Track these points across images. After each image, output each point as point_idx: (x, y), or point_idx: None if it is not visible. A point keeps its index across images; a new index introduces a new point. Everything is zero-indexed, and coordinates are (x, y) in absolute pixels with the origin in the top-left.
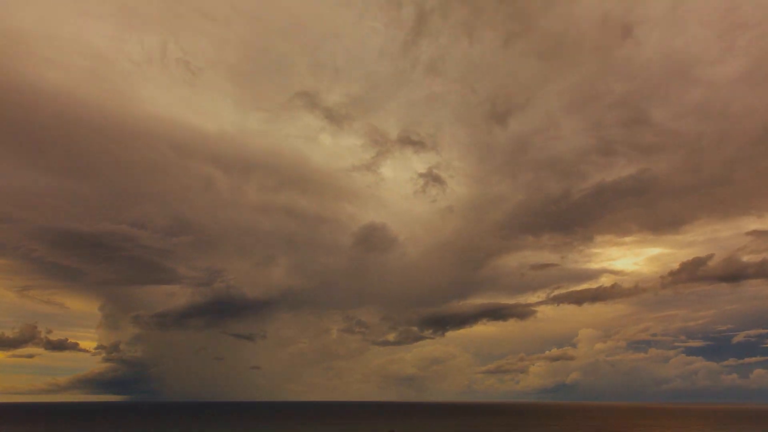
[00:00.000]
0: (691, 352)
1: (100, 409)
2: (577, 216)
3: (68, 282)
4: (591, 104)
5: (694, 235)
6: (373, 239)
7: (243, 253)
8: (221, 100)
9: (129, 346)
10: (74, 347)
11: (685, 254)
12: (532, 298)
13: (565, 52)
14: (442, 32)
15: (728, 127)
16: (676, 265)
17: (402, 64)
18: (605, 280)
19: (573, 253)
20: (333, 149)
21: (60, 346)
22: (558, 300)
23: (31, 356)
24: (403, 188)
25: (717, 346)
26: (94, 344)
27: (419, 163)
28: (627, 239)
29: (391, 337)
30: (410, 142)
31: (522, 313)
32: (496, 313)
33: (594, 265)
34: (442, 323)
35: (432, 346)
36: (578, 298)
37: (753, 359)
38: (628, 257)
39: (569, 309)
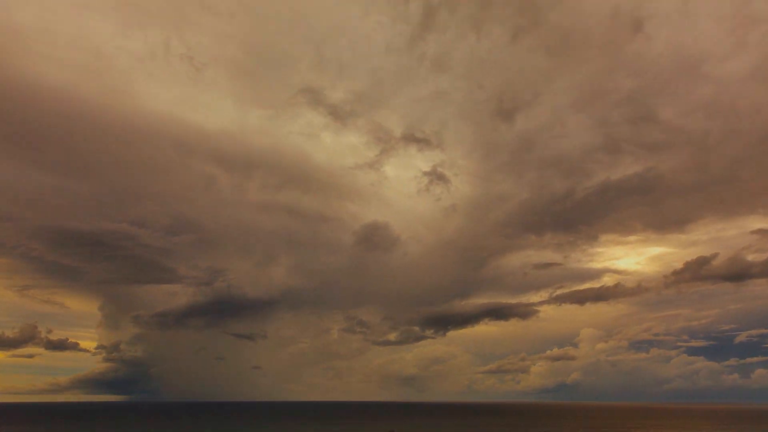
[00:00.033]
0: (692, 352)
1: (101, 409)
2: (582, 215)
3: (68, 281)
4: (598, 101)
5: (699, 234)
6: (375, 238)
7: (244, 252)
8: (223, 97)
9: (129, 345)
10: (74, 347)
11: (689, 253)
12: (534, 298)
13: (573, 47)
14: (449, 27)
15: (736, 124)
16: (679, 265)
17: (408, 59)
18: (608, 280)
19: (576, 252)
20: (336, 147)
21: (60, 345)
22: (560, 300)
23: (31, 356)
24: (407, 187)
25: (719, 346)
26: (95, 344)
27: (423, 161)
28: (631, 238)
29: (392, 336)
30: (414, 139)
31: (524, 312)
32: (498, 313)
33: (597, 265)
34: (443, 323)
35: (433, 346)
36: (580, 298)
37: (755, 359)
38: (631, 256)
39: (571, 309)
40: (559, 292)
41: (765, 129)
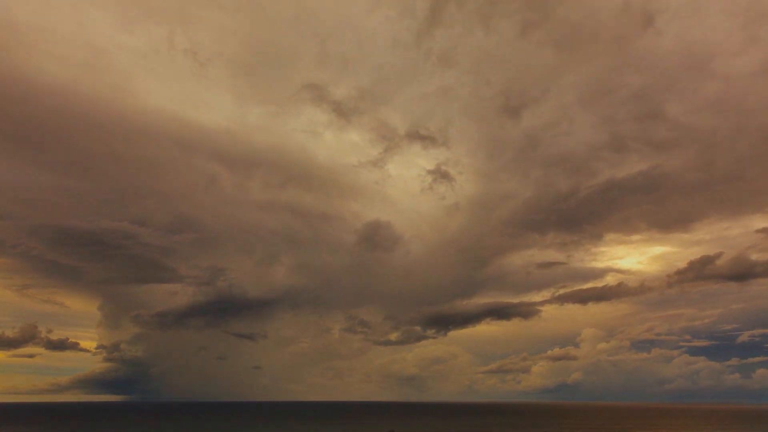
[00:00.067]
0: (694, 351)
1: (101, 409)
2: (586, 213)
3: (68, 281)
4: (606, 98)
5: (703, 234)
6: (377, 237)
7: (245, 251)
8: (224, 94)
9: (130, 345)
10: (75, 347)
11: (693, 253)
12: (536, 298)
13: (582, 42)
14: (456, 21)
15: (743, 122)
16: (683, 264)
17: (415, 55)
18: (611, 279)
19: (579, 251)
20: (339, 144)
21: (60, 345)
22: (562, 299)
23: (31, 356)
24: (411, 185)
25: (721, 346)
26: (95, 344)
27: (428, 159)
28: (634, 237)
29: (394, 336)
30: (419, 137)
31: (526, 312)
32: (500, 313)
33: (600, 264)
34: (445, 323)
35: (434, 346)
36: (583, 298)
37: (756, 359)
38: (635, 256)
39: (573, 308)
40: (561, 291)
41: None
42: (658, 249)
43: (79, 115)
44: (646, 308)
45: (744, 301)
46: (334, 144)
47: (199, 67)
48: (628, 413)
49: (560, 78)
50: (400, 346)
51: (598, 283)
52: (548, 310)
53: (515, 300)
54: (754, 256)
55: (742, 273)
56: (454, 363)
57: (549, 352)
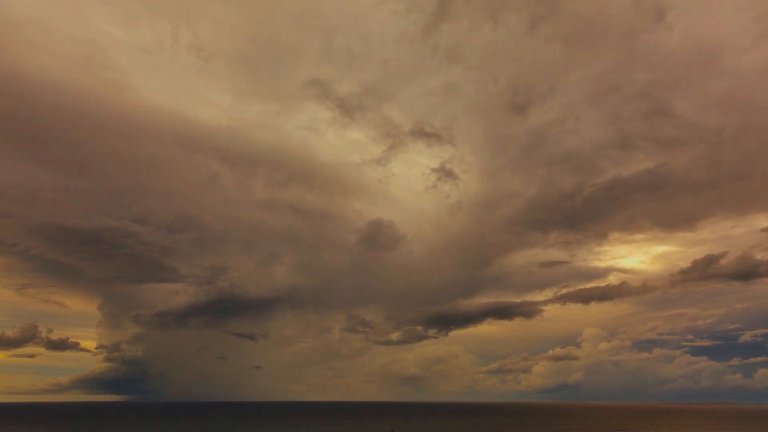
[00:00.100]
0: (696, 351)
1: (101, 409)
2: (590, 212)
3: (68, 280)
4: (613, 94)
5: (707, 233)
6: (379, 237)
7: (246, 250)
8: (226, 91)
9: (130, 345)
10: (75, 347)
11: (696, 252)
12: (538, 297)
13: (591, 36)
14: (464, 16)
15: (751, 119)
16: (686, 263)
17: (421, 50)
18: (613, 279)
19: (583, 250)
20: (342, 142)
21: (60, 345)
22: (565, 299)
23: (31, 356)
24: (414, 184)
25: (723, 346)
26: (95, 344)
27: (432, 157)
28: (638, 236)
29: (395, 336)
30: (424, 134)
31: (528, 312)
32: (502, 312)
33: (602, 264)
34: (446, 322)
35: (435, 346)
36: (585, 297)
37: (758, 359)
38: (637, 255)
39: (575, 308)
40: (564, 291)
41: None
42: (662, 248)
43: (79, 112)
44: (649, 308)
45: (747, 301)
46: (337, 142)
47: (203, 63)
48: (628, 413)
49: (568, 74)
50: (401, 346)
51: (601, 283)
52: (550, 310)
53: (517, 300)
54: (759, 255)
55: (747, 272)
56: (455, 363)
57: (550, 352)
